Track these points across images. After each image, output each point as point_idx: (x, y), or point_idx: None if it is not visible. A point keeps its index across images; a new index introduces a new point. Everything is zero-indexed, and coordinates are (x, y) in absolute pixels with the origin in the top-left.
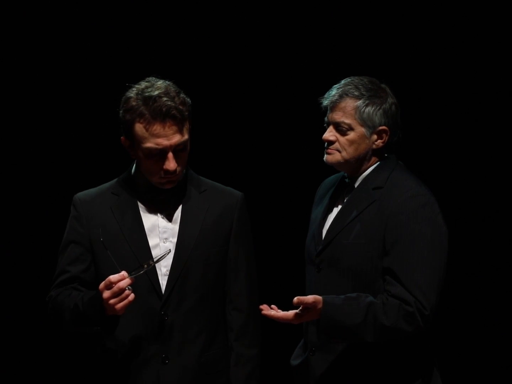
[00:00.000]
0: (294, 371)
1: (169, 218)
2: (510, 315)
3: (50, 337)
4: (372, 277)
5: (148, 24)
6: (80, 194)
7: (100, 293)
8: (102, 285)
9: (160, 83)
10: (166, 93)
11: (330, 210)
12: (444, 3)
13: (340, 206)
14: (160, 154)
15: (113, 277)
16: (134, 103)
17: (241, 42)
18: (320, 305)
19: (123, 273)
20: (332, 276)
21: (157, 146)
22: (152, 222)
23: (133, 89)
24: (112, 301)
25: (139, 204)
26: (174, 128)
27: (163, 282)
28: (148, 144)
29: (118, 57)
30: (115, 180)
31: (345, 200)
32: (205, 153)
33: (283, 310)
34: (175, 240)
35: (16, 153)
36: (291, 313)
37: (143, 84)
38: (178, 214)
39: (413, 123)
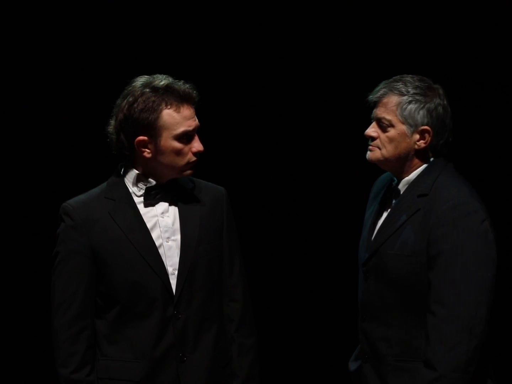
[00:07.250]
0: (351, 376)
1: (168, 217)
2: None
3: None
4: (418, 291)
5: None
6: (72, 202)
7: None
8: None
9: (160, 75)
10: (176, 79)
11: (380, 215)
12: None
13: (388, 210)
14: (188, 137)
15: None
16: (153, 98)
17: (231, 39)
18: None
19: None
20: (379, 286)
21: (189, 128)
22: (152, 222)
23: (136, 89)
24: None
25: (138, 206)
26: (194, 109)
27: (172, 281)
28: (182, 128)
29: (101, 70)
30: (103, 185)
31: (392, 205)
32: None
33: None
34: (177, 238)
35: None
36: None
37: (142, 81)
38: (175, 212)
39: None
